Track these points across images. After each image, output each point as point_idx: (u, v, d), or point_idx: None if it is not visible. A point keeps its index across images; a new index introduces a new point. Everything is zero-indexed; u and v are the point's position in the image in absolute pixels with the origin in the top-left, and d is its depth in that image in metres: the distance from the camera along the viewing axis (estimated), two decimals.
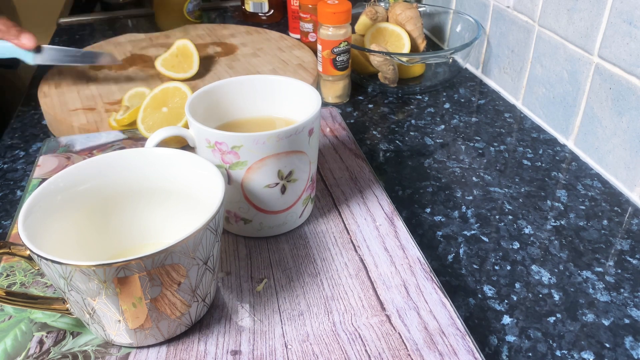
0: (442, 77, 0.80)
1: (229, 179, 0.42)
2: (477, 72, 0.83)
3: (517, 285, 0.45)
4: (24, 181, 0.59)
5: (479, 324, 0.42)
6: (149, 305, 0.33)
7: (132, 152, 0.40)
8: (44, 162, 0.55)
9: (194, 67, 0.73)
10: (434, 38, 0.93)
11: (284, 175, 0.42)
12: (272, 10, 1.03)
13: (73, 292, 0.32)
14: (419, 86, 0.78)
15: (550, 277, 0.46)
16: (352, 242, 0.45)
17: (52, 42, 0.98)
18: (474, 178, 0.58)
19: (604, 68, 0.56)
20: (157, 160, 0.41)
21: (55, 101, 0.68)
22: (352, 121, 0.70)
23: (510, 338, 0.40)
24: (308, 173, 0.45)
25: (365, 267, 0.42)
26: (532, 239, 0.50)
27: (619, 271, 0.46)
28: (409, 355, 0.35)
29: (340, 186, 0.52)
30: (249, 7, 1.03)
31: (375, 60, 0.72)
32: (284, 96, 0.48)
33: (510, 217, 0.52)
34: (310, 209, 0.48)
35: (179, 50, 0.74)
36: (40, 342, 0.36)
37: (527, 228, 0.51)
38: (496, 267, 0.47)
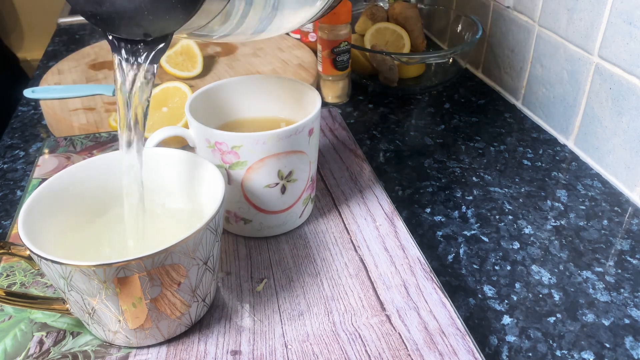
0: (442, 77, 0.80)
1: (229, 179, 0.42)
2: (477, 72, 0.83)
3: (517, 285, 0.45)
4: (24, 181, 0.59)
5: (479, 324, 0.42)
6: (149, 305, 0.33)
7: None
8: (44, 162, 0.55)
9: (198, 67, 0.73)
10: (434, 38, 0.93)
11: (284, 175, 0.42)
12: None
13: (73, 292, 0.32)
14: (419, 86, 0.78)
15: (550, 277, 0.46)
16: (352, 242, 0.45)
17: (52, 42, 0.98)
18: (474, 178, 0.58)
19: (604, 68, 0.56)
20: (157, 160, 0.41)
21: (55, 101, 0.68)
22: (352, 121, 0.70)
23: (510, 338, 0.40)
24: (308, 173, 0.45)
25: (365, 267, 0.42)
26: (532, 239, 0.50)
27: (619, 271, 0.46)
28: (409, 355, 0.35)
29: (340, 186, 0.52)
30: None
31: (375, 60, 0.72)
32: (284, 96, 0.48)
33: (510, 217, 0.52)
34: (310, 209, 0.48)
35: (182, 49, 0.74)
36: (40, 342, 0.36)
37: (527, 228, 0.51)
38: (496, 267, 0.47)
